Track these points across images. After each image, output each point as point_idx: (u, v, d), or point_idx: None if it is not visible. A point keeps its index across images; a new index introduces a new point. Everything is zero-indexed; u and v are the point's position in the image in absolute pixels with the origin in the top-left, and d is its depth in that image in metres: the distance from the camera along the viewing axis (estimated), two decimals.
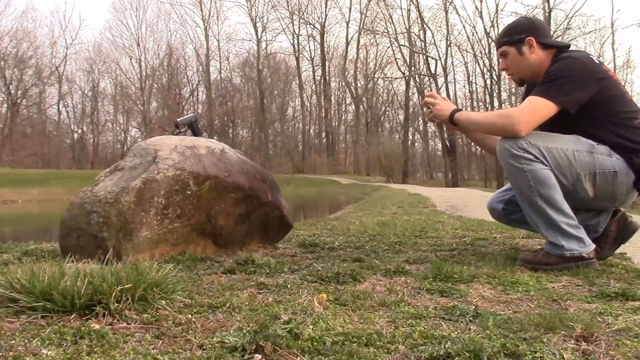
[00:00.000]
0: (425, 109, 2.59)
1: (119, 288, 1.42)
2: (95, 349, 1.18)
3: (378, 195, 15.97)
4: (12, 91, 41.71)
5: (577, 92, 2.23)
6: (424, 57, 37.88)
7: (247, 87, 51.56)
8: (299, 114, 52.88)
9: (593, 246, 2.25)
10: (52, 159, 45.36)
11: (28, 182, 27.33)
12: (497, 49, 2.52)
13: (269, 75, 49.76)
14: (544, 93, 2.24)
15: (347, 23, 48.06)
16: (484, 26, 34.21)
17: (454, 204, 9.05)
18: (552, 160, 2.22)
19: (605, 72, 2.31)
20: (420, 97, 39.64)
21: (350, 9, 55.94)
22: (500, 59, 2.51)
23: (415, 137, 47.23)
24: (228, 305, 1.59)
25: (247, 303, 1.64)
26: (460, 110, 2.43)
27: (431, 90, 37.71)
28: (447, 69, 37.76)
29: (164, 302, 1.52)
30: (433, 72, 37.35)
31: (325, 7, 48.01)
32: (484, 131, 2.52)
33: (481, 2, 45.21)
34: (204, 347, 1.22)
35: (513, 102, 38.10)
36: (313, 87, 51.06)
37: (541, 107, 2.23)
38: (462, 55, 40.19)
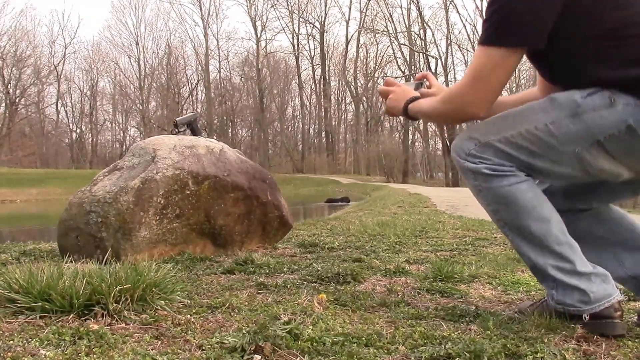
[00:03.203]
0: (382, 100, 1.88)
1: (117, 288, 1.42)
2: (94, 350, 1.17)
3: (378, 195, 15.98)
4: (11, 90, 41.70)
5: (533, 14, 1.38)
6: (424, 56, 37.95)
7: (247, 86, 51.55)
8: (299, 113, 52.93)
9: (610, 298, 1.39)
10: (51, 158, 45.38)
11: (26, 182, 27.34)
12: None
13: (269, 75, 49.75)
14: (486, 39, 1.42)
15: (347, 22, 48.25)
16: None
17: (454, 203, 9.04)
18: (523, 154, 1.43)
19: None
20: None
21: (350, 8, 56.08)
22: None
23: (416, 137, 47.24)
24: (227, 305, 1.59)
25: (246, 303, 1.63)
26: (417, 98, 1.66)
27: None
28: (448, 68, 37.83)
29: (163, 302, 1.51)
30: (433, 71, 37.35)
31: (325, 5, 48.17)
32: (440, 123, 1.82)
33: (482, 0, 45.21)
34: (203, 348, 1.22)
35: None
36: (313, 86, 51.10)
37: (490, 65, 1.42)
38: (462, 54, 40.29)
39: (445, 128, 35.34)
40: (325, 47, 48.34)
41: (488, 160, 1.45)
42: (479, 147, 1.47)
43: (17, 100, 42.55)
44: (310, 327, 1.36)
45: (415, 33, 38.76)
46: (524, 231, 1.45)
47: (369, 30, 42.63)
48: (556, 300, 1.43)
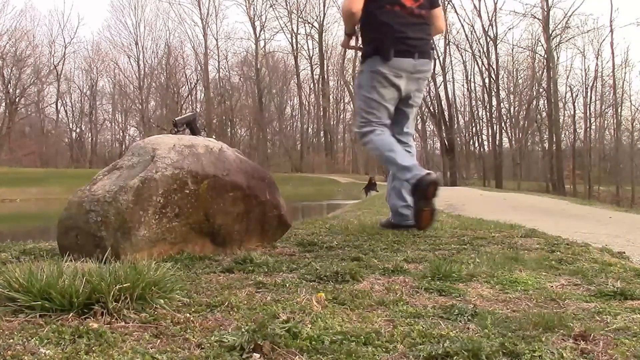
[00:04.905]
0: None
1: (117, 287, 1.42)
2: (93, 348, 1.17)
3: (376, 194, 15.97)
4: (11, 90, 41.68)
5: None
6: None
7: (246, 86, 51.53)
8: (297, 113, 52.89)
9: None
10: (51, 157, 45.31)
11: (26, 181, 27.31)
12: None
13: (268, 74, 49.74)
14: None
15: None
16: (483, 25, 34.25)
17: (452, 202, 9.05)
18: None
19: None
20: None
21: None
22: None
23: (414, 136, 47.24)
24: (226, 304, 1.59)
25: (245, 302, 1.64)
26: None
27: (430, 91, 37.94)
28: (446, 68, 37.80)
29: (162, 301, 1.51)
30: (432, 71, 37.31)
31: (324, 5, 48.06)
32: (344, 19, 3.55)
33: (480, 1, 45.26)
34: (203, 346, 1.22)
35: (511, 101, 38.06)
36: (311, 86, 51.10)
37: None
38: (460, 54, 40.30)
39: (443, 128, 35.31)
40: (324, 47, 48.35)
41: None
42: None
43: (17, 100, 42.52)
44: (309, 325, 1.36)
45: None
46: None
47: None
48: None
